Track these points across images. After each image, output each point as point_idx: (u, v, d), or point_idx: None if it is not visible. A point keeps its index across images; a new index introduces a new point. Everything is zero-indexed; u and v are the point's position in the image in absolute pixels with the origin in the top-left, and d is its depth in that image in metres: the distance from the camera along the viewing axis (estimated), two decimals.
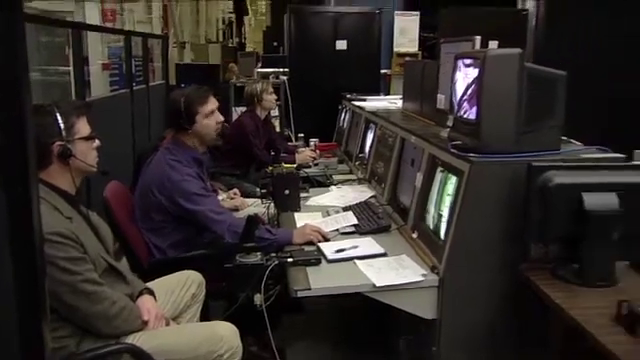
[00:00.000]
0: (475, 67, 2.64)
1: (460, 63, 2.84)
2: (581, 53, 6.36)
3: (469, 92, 2.67)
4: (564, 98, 2.68)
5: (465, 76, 2.76)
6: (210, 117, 3.60)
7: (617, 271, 2.51)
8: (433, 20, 7.97)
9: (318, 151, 5.74)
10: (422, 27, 8.04)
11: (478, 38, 3.11)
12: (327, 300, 3.92)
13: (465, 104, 2.72)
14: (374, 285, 2.67)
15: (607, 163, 2.61)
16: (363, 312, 3.89)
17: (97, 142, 2.66)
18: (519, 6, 7.17)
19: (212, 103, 3.64)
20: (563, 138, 2.92)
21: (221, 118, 3.70)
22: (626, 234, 2.41)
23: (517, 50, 2.57)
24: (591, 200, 2.38)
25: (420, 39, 8.08)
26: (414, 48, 7.75)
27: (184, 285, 3.12)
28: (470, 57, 2.75)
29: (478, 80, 2.59)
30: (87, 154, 2.59)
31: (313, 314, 4.23)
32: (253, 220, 3.25)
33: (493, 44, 6.60)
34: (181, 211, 3.46)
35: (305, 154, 5.65)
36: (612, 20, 6.45)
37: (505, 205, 2.63)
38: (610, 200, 2.39)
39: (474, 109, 2.62)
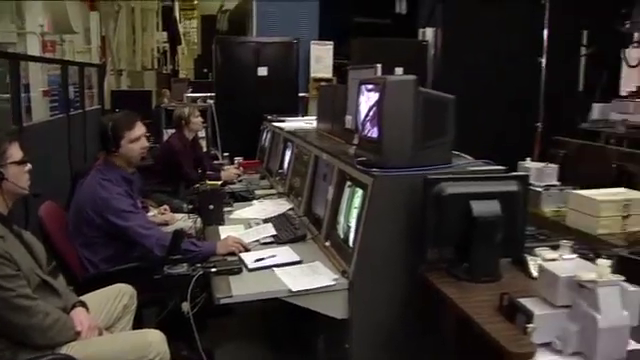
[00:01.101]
0: (376, 92, 2.71)
1: (363, 88, 2.92)
2: (472, 77, 6.65)
3: (371, 113, 2.75)
4: (454, 118, 2.78)
5: (368, 99, 2.84)
6: (135, 142, 3.57)
7: (501, 267, 2.62)
8: (347, 48, 8.12)
9: (242, 168, 5.73)
10: (337, 54, 8.15)
11: (379, 66, 3.19)
12: (252, 305, 3.92)
13: (368, 124, 2.79)
14: (290, 290, 2.70)
15: (491, 174, 2.72)
16: (285, 314, 3.89)
17: (29, 166, 2.61)
18: (420, 37, 7.39)
19: (139, 129, 3.60)
20: (455, 153, 3.04)
21: (146, 144, 3.68)
22: (506, 235, 2.54)
23: (412, 77, 2.67)
24: (478, 207, 2.49)
25: (335, 65, 8.19)
26: (329, 74, 7.85)
27: (116, 297, 3.08)
28: (372, 83, 2.83)
29: (379, 103, 2.67)
30: (19, 177, 2.54)
31: (240, 317, 4.22)
32: (179, 234, 3.23)
33: (399, 70, 6.82)
34: (112, 227, 3.41)
35: (230, 171, 5.63)
36: (498, 49, 6.77)
37: (405, 214, 2.71)
38: (493, 207, 2.51)
39: (376, 129, 2.69)
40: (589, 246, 3.58)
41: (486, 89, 6.73)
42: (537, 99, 6.53)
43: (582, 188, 5.09)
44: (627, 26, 6.52)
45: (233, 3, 14.22)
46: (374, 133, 2.72)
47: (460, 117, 6.69)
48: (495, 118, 6.78)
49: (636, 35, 6.54)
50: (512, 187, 2.60)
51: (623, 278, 2.17)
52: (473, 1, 7.00)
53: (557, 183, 5.47)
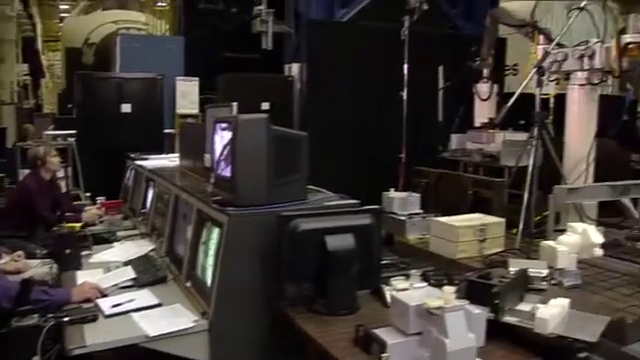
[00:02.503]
0: (229, 130, 2.73)
1: (218, 127, 2.93)
2: (338, 111, 6.86)
3: (225, 152, 2.76)
4: (307, 155, 2.85)
5: (222, 138, 2.85)
6: None
7: (360, 299, 2.70)
8: (215, 82, 8.12)
9: (104, 209, 5.53)
10: (208, 89, 8.12)
11: (235, 104, 3.22)
12: (113, 352, 3.75)
13: (222, 163, 2.80)
14: (147, 335, 2.63)
15: (344, 209, 2.81)
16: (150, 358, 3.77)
17: None
18: (286, 72, 7.54)
19: None
20: (312, 188, 3.10)
21: None
22: (362, 267, 2.62)
23: (264, 115, 2.72)
24: (332, 242, 2.56)
25: (205, 100, 8.15)
26: (195, 109, 7.81)
27: None
28: (225, 122, 2.85)
29: (232, 142, 2.69)
30: None
31: None
32: (28, 283, 3.05)
33: (265, 105, 6.92)
34: None
35: (91, 212, 5.41)
36: (362, 83, 7.04)
37: (262, 251, 2.73)
38: (347, 241, 2.59)
39: (229, 167, 2.71)
40: (444, 272, 3.78)
41: (352, 122, 6.97)
42: (400, 131, 6.83)
43: (443, 215, 5.37)
44: (477, 63, 7.02)
45: (99, 36, 13.87)
46: (228, 172, 2.74)
47: (327, 150, 6.88)
48: (362, 150, 7.02)
49: (485, 71, 7.03)
50: (366, 220, 2.69)
51: (467, 302, 2.30)
52: (337, 37, 7.25)
53: (420, 211, 5.73)
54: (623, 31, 5.20)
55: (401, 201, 5.70)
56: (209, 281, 2.83)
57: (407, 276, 2.73)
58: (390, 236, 5.66)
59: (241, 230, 2.72)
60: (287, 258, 2.57)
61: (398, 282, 2.48)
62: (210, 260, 2.88)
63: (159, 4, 15.36)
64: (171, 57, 7.88)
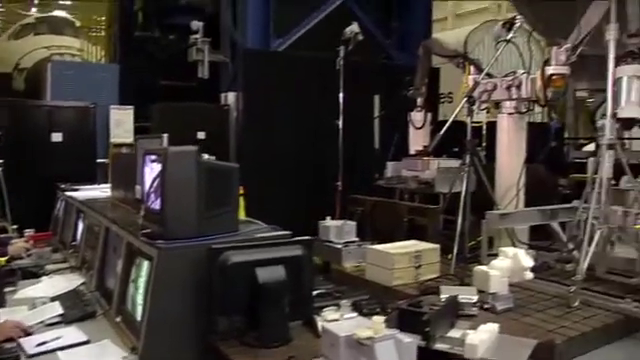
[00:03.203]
0: (159, 162, 2.72)
1: (147, 159, 2.91)
2: (275, 140, 6.90)
3: (155, 185, 2.74)
4: (238, 186, 2.86)
5: (151, 170, 2.83)
6: None
7: (292, 330, 2.70)
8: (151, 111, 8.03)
9: (32, 241, 5.35)
10: (142, 117, 8.02)
11: (165, 136, 3.21)
12: None
13: (152, 195, 2.78)
14: None
15: (275, 240, 2.82)
16: None
17: None
18: (223, 101, 7.54)
19: None
20: (246, 219, 3.11)
21: None
22: (294, 299, 2.63)
23: (193, 148, 2.71)
24: (263, 274, 2.56)
25: (139, 129, 8.04)
26: (130, 139, 7.67)
27: None
28: (155, 153, 2.84)
29: (161, 174, 2.67)
30: None
31: None
32: None
33: (201, 135, 6.89)
34: None
35: (18, 245, 5.22)
36: (298, 112, 7.11)
37: (193, 284, 2.71)
38: (278, 272, 2.59)
39: (159, 200, 2.69)
40: (377, 300, 3.82)
41: (289, 151, 7.02)
42: (337, 159, 6.91)
43: (379, 243, 5.44)
44: (410, 92, 7.21)
45: (31, 61, 13.55)
46: (157, 205, 2.72)
47: (264, 180, 6.88)
48: (300, 179, 7.06)
49: (419, 100, 7.22)
50: (297, 251, 2.71)
51: (398, 331, 2.34)
52: (273, 66, 7.31)
53: (356, 239, 5.81)
54: (548, 62, 5.42)
55: (337, 229, 5.76)
56: (139, 316, 2.78)
57: (338, 306, 2.75)
58: (327, 264, 5.71)
59: (171, 263, 2.69)
60: (218, 291, 2.56)
61: (329, 313, 2.50)
62: (140, 294, 2.84)
63: (94, 30, 15.15)
64: (105, 85, 7.76)
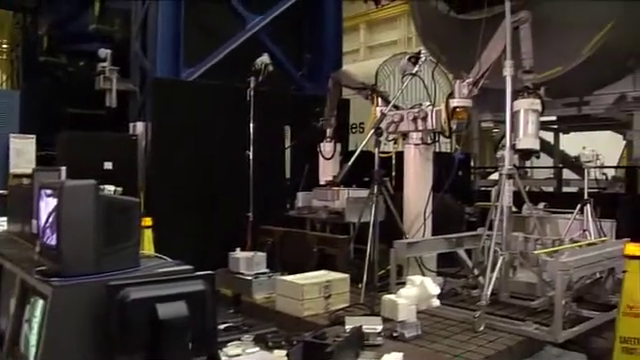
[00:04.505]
0: (55, 197, 2.63)
1: (43, 192, 2.81)
2: (183, 171, 6.81)
3: (50, 220, 2.65)
4: (139, 220, 2.80)
5: (47, 205, 2.73)
6: None
7: None
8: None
9: None
10: (49, 146, 7.71)
11: (64, 168, 3.13)
12: None
13: (48, 231, 2.68)
14: None
15: (176, 275, 2.77)
16: None
17: None
18: (131, 131, 7.40)
19: None
20: (148, 253, 3.05)
21: None
22: (197, 335, 2.58)
23: (92, 182, 2.64)
24: (164, 310, 2.50)
25: (43, 158, 7.74)
26: (31, 169, 7.38)
27: None
28: (50, 188, 2.74)
29: (57, 209, 2.59)
30: None
31: None
32: None
33: (108, 165, 6.73)
34: None
35: None
36: (208, 142, 7.07)
37: (90, 323, 2.61)
38: (180, 308, 2.54)
39: (54, 236, 2.60)
40: (284, 333, 3.83)
41: (199, 182, 6.95)
42: (247, 189, 6.90)
43: (289, 273, 5.47)
44: (320, 123, 7.34)
45: None
46: (53, 240, 2.62)
47: (175, 211, 6.77)
48: (211, 210, 6.98)
49: (328, 131, 7.36)
50: (199, 286, 2.67)
51: None
52: (183, 96, 7.23)
53: (267, 270, 5.81)
54: (451, 95, 5.66)
55: (247, 261, 5.75)
56: (32, 358, 2.65)
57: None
58: (237, 296, 5.67)
59: (67, 302, 2.59)
60: (117, 329, 2.48)
61: (230, 348, 2.49)
62: (34, 335, 2.71)
63: None
64: (4, 112, 7.43)
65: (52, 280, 2.61)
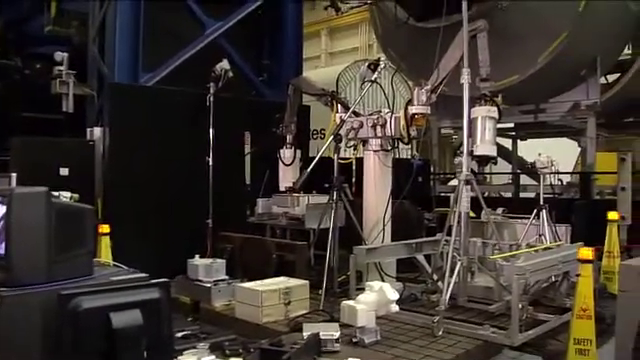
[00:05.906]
0: (3, 204, 2.57)
1: None
2: (142, 177, 6.72)
3: (0, 227, 2.58)
4: (93, 228, 2.76)
5: None
6: None
7: None
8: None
9: None
10: (3, 150, 7.50)
11: (14, 175, 3.05)
12: None
13: None
14: None
15: (131, 284, 2.73)
16: None
17: None
18: (89, 136, 7.26)
19: None
20: (102, 261, 3.01)
21: None
22: (151, 343, 2.55)
23: (43, 189, 2.59)
24: (118, 319, 2.46)
25: None
26: None
27: None
28: None
29: (6, 216, 2.53)
30: None
31: None
32: None
33: (64, 171, 6.60)
34: None
35: None
36: (167, 148, 6.99)
37: (42, 333, 2.55)
38: (134, 317, 2.51)
39: (3, 244, 2.54)
40: (241, 341, 3.81)
41: (158, 188, 6.86)
42: (207, 196, 6.85)
43: (249, 280, 5.43)
44: (280, 129, 7.33)
45: None
46: (1, 249, 2.56)
47: (132, 219, 6.67)
48: (171, 217, 6.90)
49: (288, 137, 7.36)
50: (154, 294, 2.64)
51: None
52: (142, 101, 7.11)
53: (226, 277, 5.76)
54: (410, 102, 5.72)
55: (206, 268, 5.69)
56: None
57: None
58: (196, 304, 5.61)
59: (17, 312, 2.52)
60: (70, 339, 2.43)
61: (186, 357, 2.46)
62: None
63: None
64: None
65: (1, 290, 2.55)
